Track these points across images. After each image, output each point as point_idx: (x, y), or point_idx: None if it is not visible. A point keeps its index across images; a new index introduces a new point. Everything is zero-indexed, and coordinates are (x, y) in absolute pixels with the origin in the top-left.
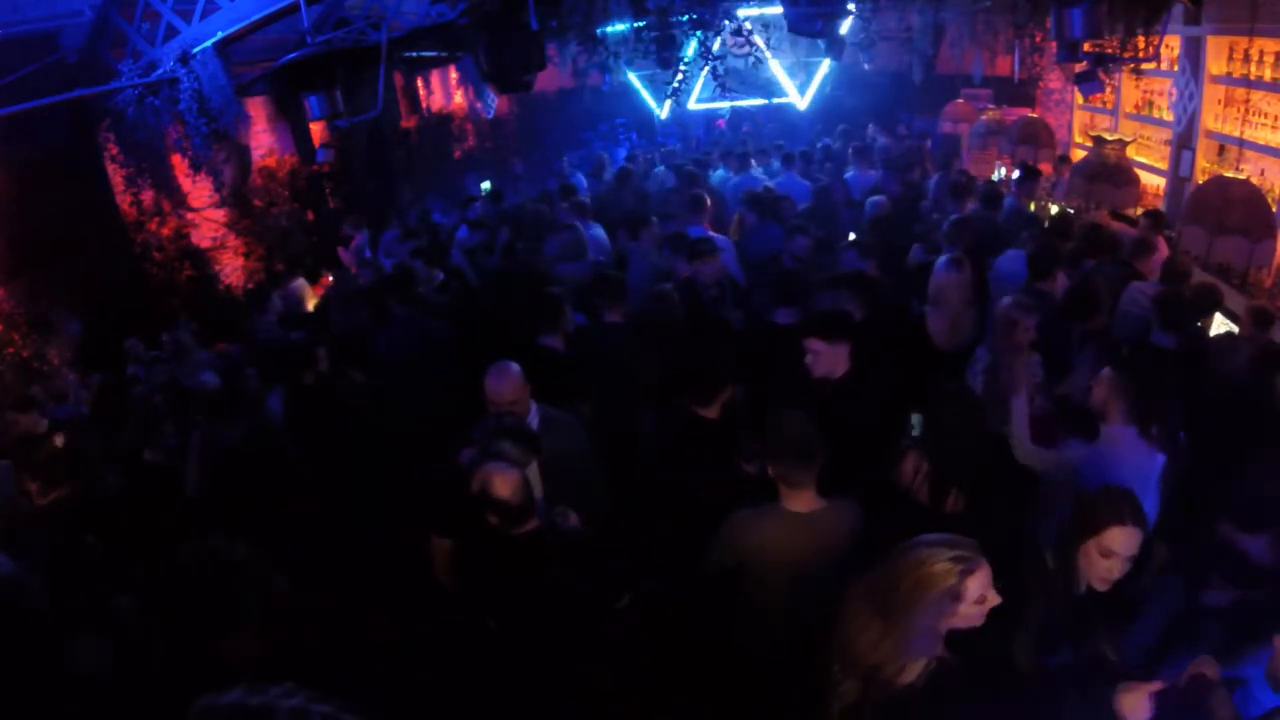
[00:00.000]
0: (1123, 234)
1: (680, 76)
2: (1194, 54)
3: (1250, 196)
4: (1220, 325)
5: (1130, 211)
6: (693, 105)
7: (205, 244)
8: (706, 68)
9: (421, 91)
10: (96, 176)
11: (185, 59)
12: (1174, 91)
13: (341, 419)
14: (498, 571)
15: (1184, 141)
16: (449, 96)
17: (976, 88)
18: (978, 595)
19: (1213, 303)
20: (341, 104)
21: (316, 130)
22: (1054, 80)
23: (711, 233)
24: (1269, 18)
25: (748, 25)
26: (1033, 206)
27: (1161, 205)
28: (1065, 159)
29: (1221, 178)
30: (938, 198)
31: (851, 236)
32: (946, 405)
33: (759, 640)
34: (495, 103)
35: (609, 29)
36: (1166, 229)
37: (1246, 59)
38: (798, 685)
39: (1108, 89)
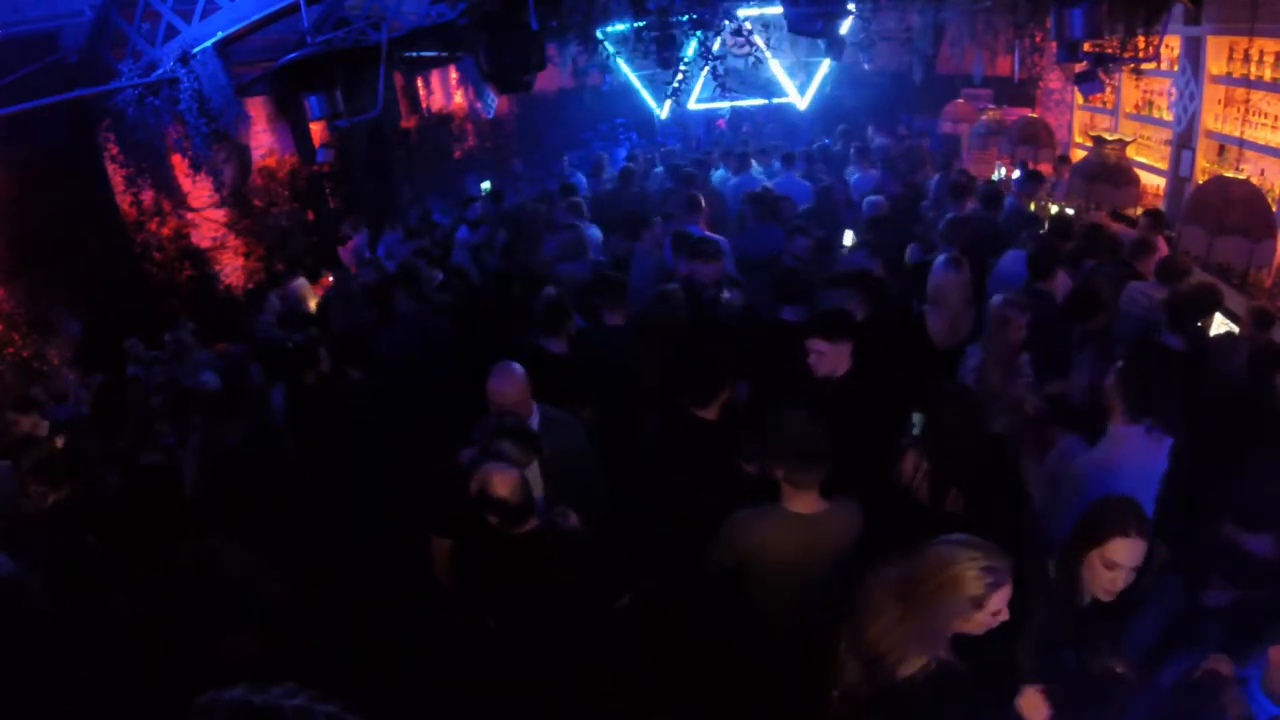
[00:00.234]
0: (1123, 235)
1: (680, 76)
2: (1194, 54)
3: (1250, 196)
4: (1220, 325)
5: (1130, 211)
6: (693, 105)
7: (205, 244)
8: (706, 68)
9: (421, 91)
10: (96, 176)
11: (185, 59)
12: (1173, 91)
13: (342, 419)
14: (498, 571)
15: (1184, 141)
16: (449, 96)
17: (976, 88)
18: (996, 608)
19: (1213, 303)
20: (341, 104)
21: (316, 130)
22: (1054, 80)
23: (708, 233)
24: (1269, 18)
25: (748, 25)
26: (1033, 206)
27: (1161, 205)
28: (1065, 159)
29: (1221, 178)
30: (938, 197)
31: (849, 237)
32: (947, 405)
33: (759, 640)
34: (495, 103)
35: (609, 29)
36: (1166, 229)
37: (1246, 59)
38: (798, 685)
39: (1108, 89)
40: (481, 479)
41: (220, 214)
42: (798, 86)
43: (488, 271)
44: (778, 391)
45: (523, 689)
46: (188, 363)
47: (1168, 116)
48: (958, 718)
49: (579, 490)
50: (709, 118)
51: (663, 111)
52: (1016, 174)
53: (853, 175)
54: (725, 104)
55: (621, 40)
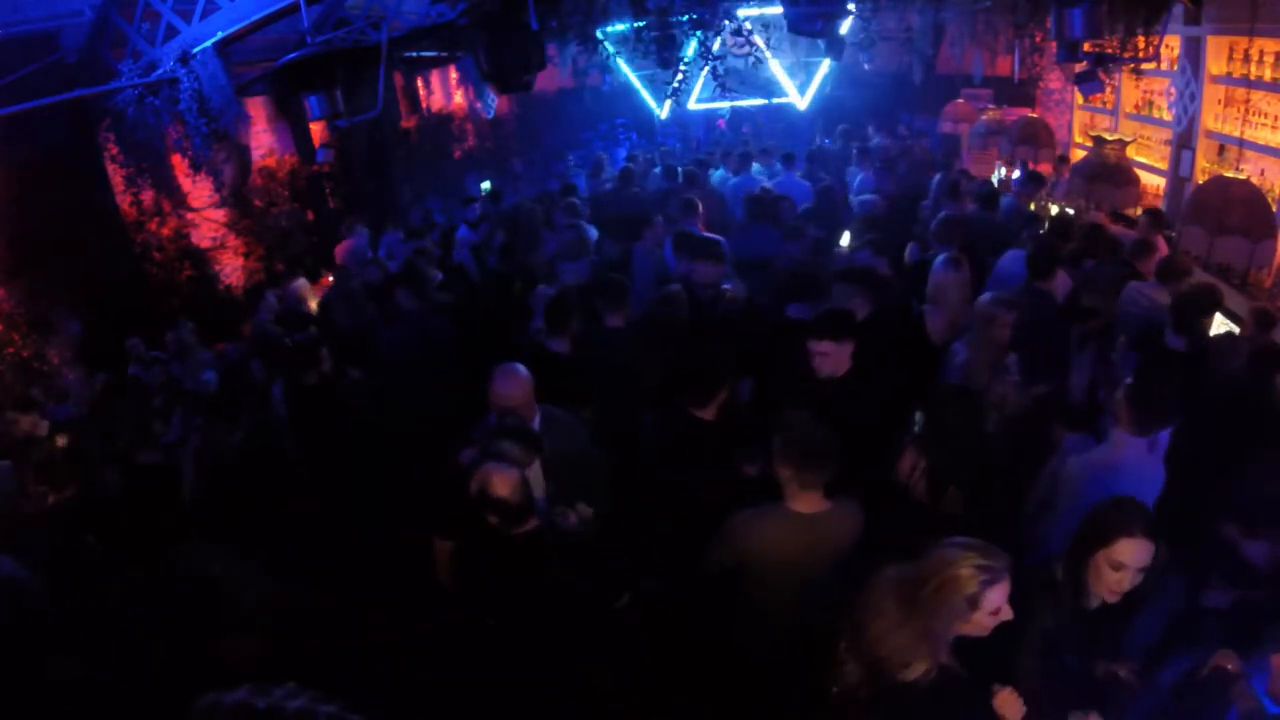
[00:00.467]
0: (1123, 236)
1: (680, 76)
2: (1194, 54)
3: (1250, 196)
4: (1220, 325)
5: (1130, 211)
6: (693, 105)
7: (205, 244)
8: (706, 68)
9: (421, 91)
10: (96, 176)
11: (185, 59)
12: (1173, 91)
13: (343, 419)
14: (498, 571)
15: (1184, 141)
16: (449, 96)
17: (976, 88)
18: (994, 606)
19: (1214, 303)
20: (341, 104)
21: (316, 130)
22: (1054, 80)
23: (710, 234)
24: (1269, 18)
25: (748, 25)
26: (1033, 206)
27: (1161, 205)
28: (1065, 159)
29: (1221, 178)
30: (937, 197)
31: (845, 237)
32: (947, 404)
33: (759, 640)
34: (495, 103)
35: (609, 29)
36: (1166, 229)
37: (1246, 59)
38: (798, 685)
39: (1108, 89)
40: (481, 479)
41: (220, 214)
42: (798, 86)
43: (487, 271)
44: (781, 391)
45: (523, 689)
46: (188, 363)
47: (1168, 116)
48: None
49: (580, 490)
50: (709, 118)
51: (663, 111)
52: (1016, 174)
53: (855, 176)
54: (725, 104)
55: (621, 40)
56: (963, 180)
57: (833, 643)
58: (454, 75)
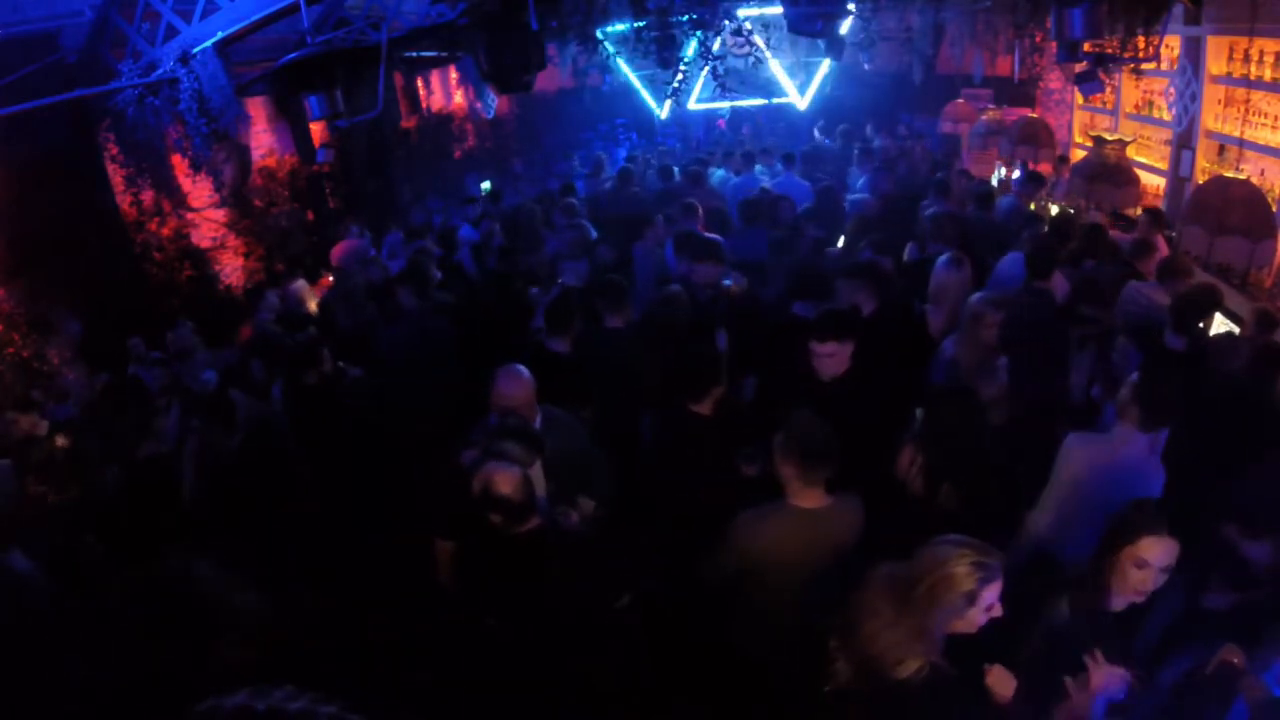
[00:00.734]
0: (1120, 241)
1: (680, 76)
2: (1194, 54)
3: (1250, 196)
4: (1220, 325)
5: (1130, 211)
6: (693, 105)
7: (205, 244)
8: (706, 68)
9: (421, 91)
10: (96, 176)
11: (185, 59)
12: (1172, 91)
13: (343, 419)
14: (498, 571)
15: (1184, 141)
16: (449, 96)
17: (976, 88)
18: (989, 603)
19: (1214, 303)
20: (341, 104)
21: (316, 130)
22: (1054, 80)
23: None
24: (1269, 18)
25: (748, 25)
26: (1033, 206)
27: (1161, 205)
28: (1065, 159)
29: (1221, 178)
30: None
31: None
32: (945, 403)
33: (760, 640)
34: (495, 103)
35: (609, 29)
36: (1166, 228)
37: (1246, 59)
38: (798, 684)
39: (1108, 89)
40: (484, 478)
41: (220, 214)
42: (798, 86)
43: (486, 271)
44: (782, 390)
45: (523, 689)
46: (188, 363)
47: (1168, 116)
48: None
49: (581, 490)
50: (709, 118)
51: (663, 111)
52: (1016, 174)
53: (857, 178)
54: (725, 104)
55: (621, 40)
56: (959, 179)
57: (827, 641)
58: (454, 75)
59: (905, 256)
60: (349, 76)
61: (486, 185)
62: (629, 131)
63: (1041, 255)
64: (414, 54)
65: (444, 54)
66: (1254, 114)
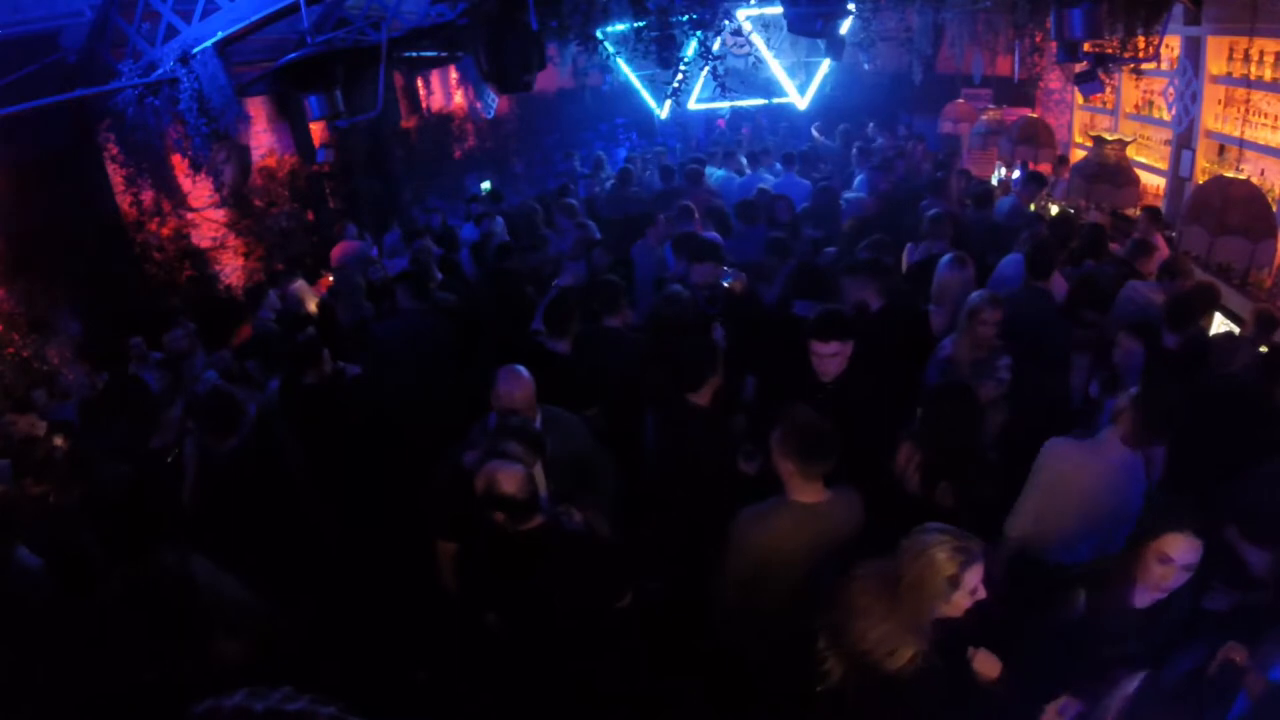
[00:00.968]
0: (1117, 253)
1: (680, 76)
2: (1194, 54)
3: (1250, 196)
4: (1220, 325)
5: (1130, 212)
6: (693, 105)
7: (205, 244)
8: (706, 68)
9: (421, 91)
10: (96, 176)
11: (185, 59)
12: (1171, 91)
13: (342, 419)
14: (500, 570)
15: (1184, 141)
16: (449, 96)
17: (976, 88)
18: (972, 586)
19: (1210, 302)
20: (341, 104)
21: (316, 130)
22: (1054, 80)
23: (712, 234)
24: (1269, 18)
25: (747, 25)
26: (1032, 206)
27: (1161, 205)
28: (1065, 159)
29: (1221, 178)
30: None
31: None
32: (943, 401)
33: (760, 641)
34: (495, 103)
35: (609, 29)
36: (1164, 227)
37: (1246, 59)
38: (798, 685)
39: (1108, 89)
40: (488, 476)
41: (220, 214)
42: (798, 86)
43: (485, 270)
44: (782, 389)
45: (523, 688)
46: (188, 363)
47: (1168, 116)
48: (945, 709)
49: (583, 490)
50: (709, 118)
51: (663, 111)
52: (1016, 174)
53: (856, 177)
54: (725, 104)
55: (621, 40)
56: (958, 179)
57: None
58: (454, 75)
59: (905, 256)
60: (349, 76)
61: (486, 185)
62: (629, 131)
63: (1041, 255)
64: (414, 54)
65: (444, 54)
66: (1254, 114)
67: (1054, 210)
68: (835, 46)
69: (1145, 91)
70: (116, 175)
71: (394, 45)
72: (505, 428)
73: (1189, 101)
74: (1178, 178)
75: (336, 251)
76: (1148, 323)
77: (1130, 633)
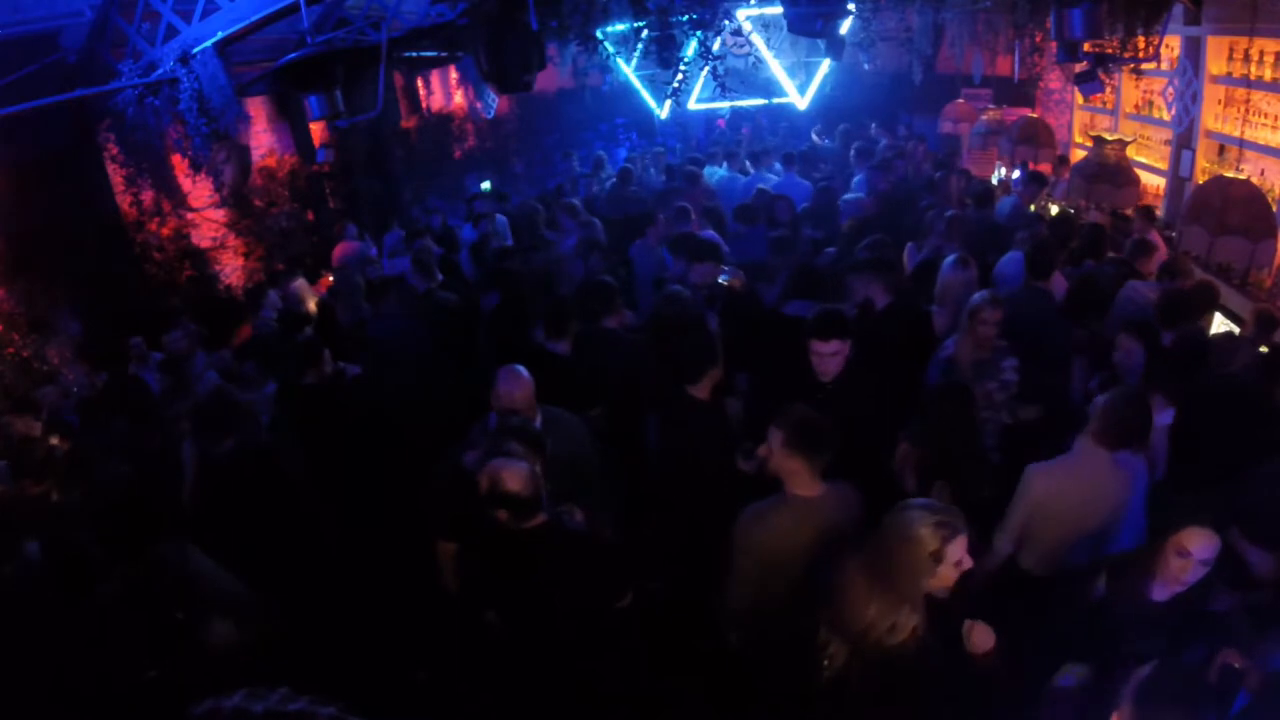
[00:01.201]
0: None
1: (680, 76)
2: (1194, 54)
3: (1250, 196)
4: (1220, 325)
5: (1129, 212)
6: (693, 105)
7: (205, 244)
8: (706, 68)
9: (421, 91)
10: (96, 176)
11: (185, 59)
12: (1170, 91)
13: (342, 419)
14: (502, 569)
15: (1184, 141)
16: (449, 96)
17: (976, 88)
18: (956, 558)
19: (1209, 301)
20: (341, 104)
21: (316, 130)
22: (1054, 80)
23: (710, 234)
24: (1269, 18)
25: (747, 25)
26: (1033, 207)
27: (1161, 205)
28: (1065, 159)
29: (1221, 178)
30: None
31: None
32: (941, 400)
33: (762, 639)
34: (495, 103)
35: (609, 29)
36: (1157, 223)
37: (1246, 59)
38: (799, 684)
39: (1108, 89)
40: (491, 474)
41: (220, 214)
42: (798, 86)
43: (484, 271)
44: (781, 388)
45: (523, 689)
46: (188, 365)
47: (1168, 116)
48: (948, 687)
49: (583, 490)
50: (709, 118)
51: (663, 111)
52: (1016, 174)
53: (854, 177)
54: (725, 104)
55: (621, 40)
56: (958, 179)
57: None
58: (454, 75)
59: (906, 257)
60: (349, 76)
61: (486, 185)
62: (629, 131)
63: (1041, 255)
64: (414, 54)
65: (444, 54)
66: (1254, 114)
67: (1054, 210)
68: (835, 46)
69: (1145, 91)
70: (116, 175)
71: (394, 45)
72: (505, 428)
73: (1189, 101)
74: (1178, 178)
75: (337, 251)
76: (1147, 322)
77: (1146, 626)
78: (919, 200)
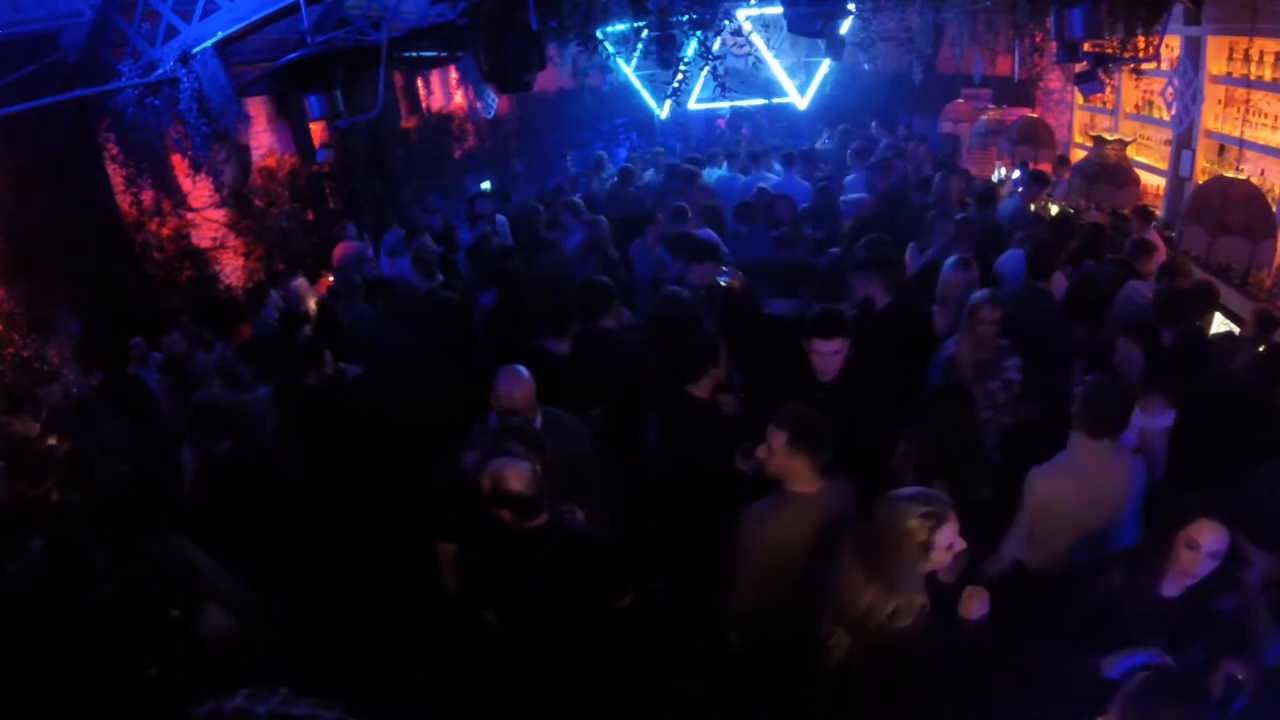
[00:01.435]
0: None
1: (680, 76)
2: (1194, 54)
3: (1250, 196)
4: (1220, 325)
5: (1128, 212)
6: (693, 105)
7: (205, 244)
8: (706, 68)
9: (421, 91)
10: (96, 176)
11: (185, 59)
12: (1170, 91)
13: (343, 420)
14: (501, 570)
15: (1184, 141)
16: (449, 96)
17: (976, 88)
18: (948, 543)
19: (1209, 300)
20: (341, 104)
21: (316, 130)
22: (1054, 80)
23: (708, 233)
24: (1269, 18)
25: (747, 25)
26: (1033, 207)
27: (1161, 205)
28: (1065, 159)
29: (1221, 178)
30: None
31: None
32: (940, 401)
33: (763, 638)
34: (495, 103)
35: (609, 29)
36: (1155, 223)
37: (1246, 59)
38: (795, 683)
39: (1108, 89)
40: (494, 474)
41: (220, 214)
42: (798, 86)
43: (482, 271)
44: (782, 389)
45: (523, 689)
46: (190, 364)
47: (1167, 116)
48: (949, 672)
49: (582, 490)
50: (709, 118)
51: (663, 111)
52: (1016, 174)
53: (849, 176)
54: (725, 104)
55: (621, 40)
56: (957, 179)
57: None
58: (454, 75)
59: (908, 257)
60: (349, 76)
61: (486, 185)
62: (629, 131)
63: (1043, 255)
64: (414, 54)
65: (444, 54)
66: (1254, 114)
67: (1054, 210)
68: (835, 46)
69: (1145, 91)
70: (116, 175)
71: (394, 45)
72: (505, 428)
73: (1189, 101)
74: (1178, 178)
75: (337, 251)
76: (1146, 323)
77: (1152, 623)
78: (915, 200)
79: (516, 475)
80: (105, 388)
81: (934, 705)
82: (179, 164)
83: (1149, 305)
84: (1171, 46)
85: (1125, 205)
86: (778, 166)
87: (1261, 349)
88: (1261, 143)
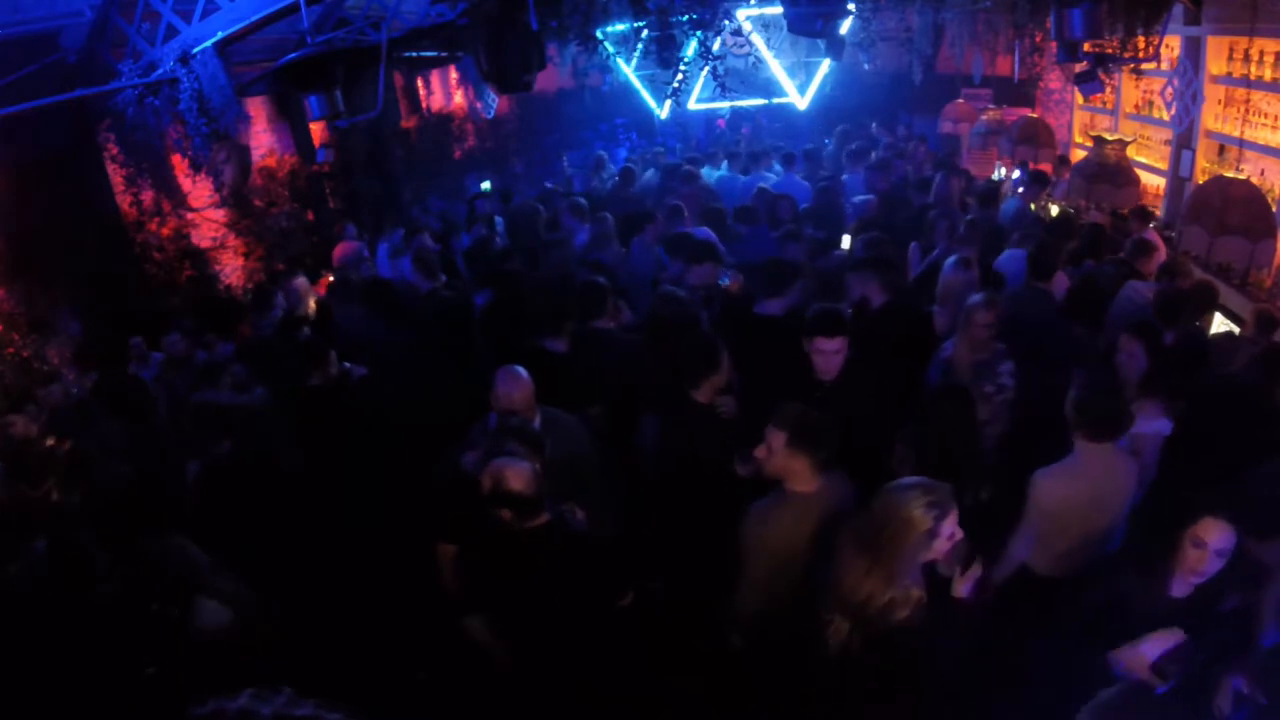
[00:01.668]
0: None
1: (680, 76)
2: (1194, 54)
3: (1250, 196)
4: (1220, 325)
5: (1126, 212)
6: (693, 105)
7: (205, 244)
8: (706, 68)
9: (421, 91)
10: (96, 176)
11: (185, 59)
12: (1169, 91)
13: (346, 421)
14: (501, 570)
15: (1184, 141)
16: (449, 96)
17: (976, 88)
18: (949, 533)
19: (1208, 300)
20: (341, 104)
21: (316, 130)
22: (1054, 80)
23: (707, 232)
24: (1269, 18)
25: (747, 25)
26: (1033, 207)
27: (1161, 205)
28: (1065, 159)
29: (1221, 178)
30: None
31: (845, 239)
32: (939, 402)
33: (764, 638)
34: (495, 103)
35: (609, 29)
36: (1154, 223)
37: (1246, 59)
38: (796, 684)
39: (1108, 89)
40: (495, 474)
41: (220, 214)
42: (798, 86)
43: (480, 272)
44: (781, 390)
45: (523, 688)
46: (187, 364)
47: (1167, 116)
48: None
49: (581, 490)
50: (709, 118)
51: (663, 111)
52: (1016, 174)
53: (844, 176)
54: (725, 104)
55: (621, 40)
56: (956, 179)
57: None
58: (454, 75)
59: (909, 258)
60: (349, 76)
61: (486, 185)
62: (629, 131)
63: (1044, 256)
64: (414, 54)
65: (444, 54)
66: (1254, 114)
67: (1054, 210)
68: (835, 46)
69: (1145, 91)
70: (116, 175)
71: (394, 45)
72: (505, 428)
73: (1189, 101)
74: (1178, 178)
75: (337, 252)
76: (1148, 323)
77: (1164, 620)
78: (914, 200)
79: (517, 475)
80: (101, 388)
81: (934, 705)
82: (179, 164)
83: (1149, 305)
84: (1171, 46)
85: (1125, 205)
86: (778, 166)
87: (1268, 349)
88: (1261, 143)
